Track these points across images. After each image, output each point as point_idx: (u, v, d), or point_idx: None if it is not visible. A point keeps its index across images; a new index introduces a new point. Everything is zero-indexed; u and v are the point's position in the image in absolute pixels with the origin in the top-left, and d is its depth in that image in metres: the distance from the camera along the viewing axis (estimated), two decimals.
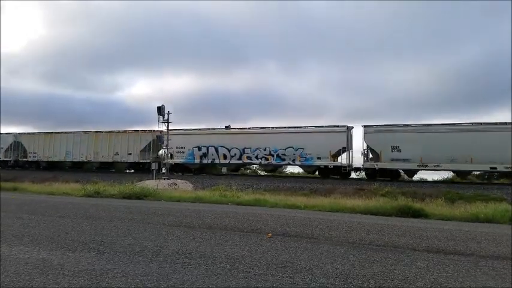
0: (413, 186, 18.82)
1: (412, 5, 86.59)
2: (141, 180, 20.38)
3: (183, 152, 27.01)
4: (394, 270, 4.30)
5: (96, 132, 30.65)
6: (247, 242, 5.75)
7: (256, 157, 25.16)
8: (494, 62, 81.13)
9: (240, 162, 25.82)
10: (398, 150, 21.48)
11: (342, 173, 23.21)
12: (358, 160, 23.80)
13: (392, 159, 21.65)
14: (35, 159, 32.11)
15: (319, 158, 23.46)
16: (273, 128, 25.91)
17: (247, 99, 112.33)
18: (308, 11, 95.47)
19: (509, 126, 19.78)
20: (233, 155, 25.77)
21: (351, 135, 23.89)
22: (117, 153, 28.98)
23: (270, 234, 6.40)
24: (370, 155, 22.87)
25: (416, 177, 24.12)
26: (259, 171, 30.38)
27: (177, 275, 3.98)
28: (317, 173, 24.88)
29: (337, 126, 23.76)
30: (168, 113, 24.46)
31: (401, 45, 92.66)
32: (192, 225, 7.29)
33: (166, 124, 24.51)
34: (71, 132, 31.57)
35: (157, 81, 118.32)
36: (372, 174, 22.59)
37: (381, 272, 4.21)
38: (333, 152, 23.22)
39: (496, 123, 20.40)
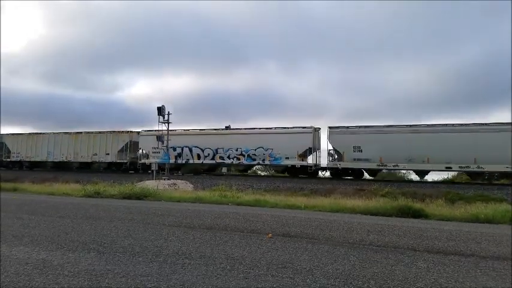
0: (414, 187, 18.82)
1: (412, 5, 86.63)
2: (141, 181, 20.38)
3: (159, 153, 27.66)
4: (394, 271, 4.30)
5: (76, 133, 31.50)
6: (248, 243, 5.74)
7: (229, 157, 25.95)
8: (494, 62, 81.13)
9: (213, 162, 26.62)
10: (359, 151, 22.39)
11: (309, 172, 24.06)
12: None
13: (355, 159, 22.53)
14: (18, 159, 32.83)
15: (287, 158, 24.29)
16: (244, 129, 26.93)
17: (247, 99, 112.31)
18: (308, 11, 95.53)
19: (464, 127, 20.74)
20: (207, 155, 26.55)
21: (319, 136, 24.80)
22: (95, 154, 29.70)
23: (270, 234, 6.40)
24: (336, 155, 23.82)
25: (415, 177, 24.17)
26: (259, 172, 30.53)
27: (177, 275, 3.97)
28: (286, 172, 25.74)
29: (304, 127, 24.57)
30: (168, 114, 24.49)
31: (401, 45, 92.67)
32: (192, 226, 7.29)
33: (166, 124, 24.55)
34: (52, 133, 32.36)
35: (157, 81, 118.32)
36: (336, 173, 23.61)
37: (381, 273, 4.21)
38: (300, 152, 24.03)
39: (452, 125, 21.20)
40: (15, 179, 24.04)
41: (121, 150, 28.99)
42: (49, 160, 31.68)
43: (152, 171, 22.75)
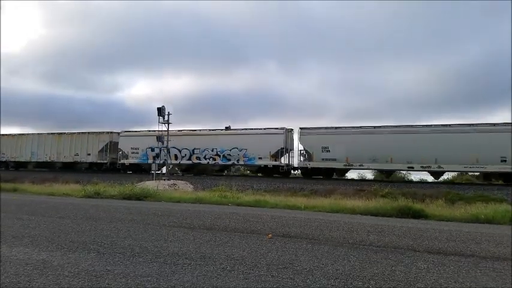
0: (414, 187, 18.82)
1: (412, 5, 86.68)
2: (141, 181, 20.38)
3: (137, 153, 28.45)
4: (394, 271, 4.29)
5: (59, 133, 32.03)
6: (248, 243, 5.74)
7: (205, 157, 26.60)
8: (494, 62, 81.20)
9: (190, 162, 27.28)
10: (328, 151, 23.16)
11: (281, 172, 24.75)
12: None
13: (323, 159, 23.29)
14: (4, 159, 33.45)
15: (260, 158, 24.97)
16: (220, 129, 27.38)
17: (247, 99, 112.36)
18: (308, 11, 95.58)
19: (425, 128, 21.55)
20: (183, 155, 27.15)
21: (292, 137, 25.49)
22: (77, 154, 30.35)
23: (270, 235, 6.40)
24: (306, 156, 24.55)
25: (416, 177, 24.23)
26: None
27: (178, 276, 3.97)
28: (260, 172, 26.61)
29: (276, 128, 25.26)
30: (168, 114, 24.48)
31: (401, 45, 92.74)
32: (192, 226, 7.28)
33: (166, 125, 24.54)
34: (36, 133, 33.07)
35: (157, 81, 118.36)
36: (306, 173, 24.36)
37: (382, 273, 4.21)
38: (273, 153, 24.75)
39: (413, 126, 22.02)
40: (15, 179, 24.04)
41: (101, 151, 29.58)
42: (33, 160, 32.32)
43: (152, 172, 22.77)
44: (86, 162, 30.64)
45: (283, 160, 25.01)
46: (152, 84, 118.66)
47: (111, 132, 29.89)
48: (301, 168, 24.64)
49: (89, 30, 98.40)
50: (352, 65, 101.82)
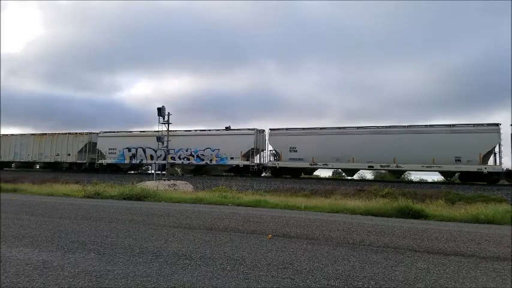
0: (414, 187, 18.83)
1: (412, 5, 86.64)
2: (141, 181, 20.38)
3: (115, 153, 29.27)
4: (394, 272, 4.29)
5: (41, 134, 32.72)
6: (248, 243, 5.74)
7: (179, 157, 27.32)
8: (494, 62, 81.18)
9: (165, 162, 27.80)
10: (295, 151, 24.02)
11: (251, 171, 25.36)
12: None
13: (291, 159, 24.15)
14: None
15: (232, 158, 25.72)
16: (194, 130, 28.10)
17: (247, 99, 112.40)
18: (308, 11, 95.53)
19: (384, 129, 22.41)
20: (159, 155, 27.68)
21: (263, 138, 26.18)
22: (58, 154, 31.18)
23: (270, 235, 6.40)
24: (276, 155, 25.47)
25: (416, 178, 24.27)
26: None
27: (178, 276, 3.97)
28: (232, 171, 27.08)
29: (247, 129, 26.08)
30: (169, 114, 24.49)
31: (401, 45, 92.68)
32: (192, 227, 7.28)
33: (166, 125, 24.55)
34: (18, 134, 33.84)
35: (157, 81, 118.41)
36: (275, 172, 25.21)
37: (382, 273, 4.20)
38: (244, 153, 25.47)
39: (371, 127, 22.97)
40: (15, 179, 24.03)
41: (81, 151, 30.45)
42: (16, 160, 33.13)
43: (152, 172, 22.78)
44: (67, 162, 31.39)
45: (256, 160, 25.83)
46: (152, 84, 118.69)
47: (90, 133, 30.84)
48: (270, 168, 25.44)
49: (89, 30, 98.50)
50: (352, 65, 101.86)
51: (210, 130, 27.59)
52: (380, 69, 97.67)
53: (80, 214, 8.93)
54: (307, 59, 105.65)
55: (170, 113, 24.63)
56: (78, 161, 30.46)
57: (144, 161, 28.46)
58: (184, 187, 20.22)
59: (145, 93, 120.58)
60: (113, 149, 29.38)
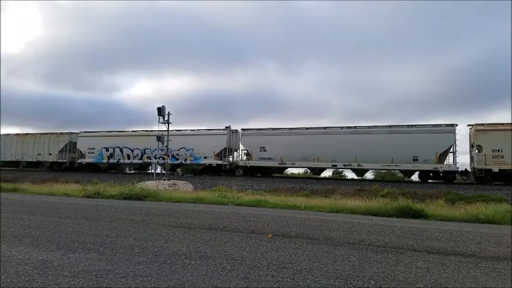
0: (414, 187, 18.83)
1: (413, 5, 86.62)
2: (141, 181, 20.37)
3: (94, 153, 30.21)
4: (394, 271, 4.29)
5: (24, 134, 34.08)
6: (248, 243, 5.74)
7: (155, 157, 27.87)
8: (494, 62, 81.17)
9: (142, 161, 28.98)
10: (264, 150, 24.97)
11: (224, 170, 26.14)
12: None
13: (261, 158, 25.07)
14: None
15: (205, 158, 26.50)
16: (171, 130, 28.73)
17: (247, 99, 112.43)
18: (307, 11, 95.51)
19: (346, 130, 23.27)
20: (136, 155, 28.78)
21: (236, 138, 26.78)
22: (39, 154, 32.14)
23: (270, 235, 6.40)
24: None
25: (416, 178, 24.30)
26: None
27: (177, 275, 3.97)
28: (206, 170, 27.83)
29: (220, 129, 26.80)
30: (169, 114, 24.48)
31: (401, 45, 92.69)
32: (192, 226, 7.28)
33: (166, 125, 24.54)
34: (2, 134, 34.78)
35: (157, 81, 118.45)
36: (246, 171, 25.96)
37: (382, 273, 4.21)
38: (217, 152, 26.26)
39: (334, 128, 23.91)
40: (15, 179, 24.03)
41: (61, 151, 31.37)
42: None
43: (153, 172, 22.80)
44: (48, 162, 32.15)
45: (231, 159, 26.57)
46: (152, 84, 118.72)
47: (70, 133, 31.77)
48: (242, 167, 26.07)
49: (89, 30, 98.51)
50: (352, 65, 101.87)
51: (185, 130, 28.24)
52: (380, 69, 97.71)
53: (80, 214, 8.93)
54: (307, 59, 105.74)
55: (170, 112, 24.62)
56: (59, 160, 31.25)
57: (122, 161, 29.21)
58: (184, 187, 20.22)
59: (145, 93, 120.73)
60: (92, 148, 30.20)
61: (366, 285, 3.76)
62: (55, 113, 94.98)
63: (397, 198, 12.28)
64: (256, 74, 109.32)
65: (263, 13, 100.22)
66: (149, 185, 18.39)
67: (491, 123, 20.90)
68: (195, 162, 27.08)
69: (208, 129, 27.39)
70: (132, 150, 28.81)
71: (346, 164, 22.96)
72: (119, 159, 29.35)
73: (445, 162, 21.24)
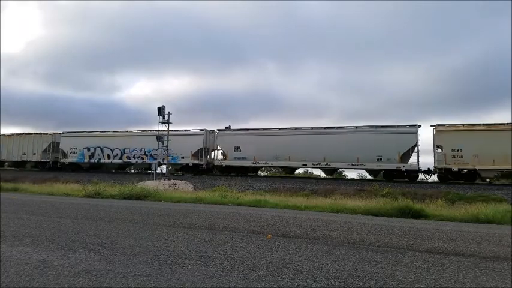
0: (414, 187, 18.82)
1: (413, 5, 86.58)
2: (141, 181, 20.36)
3: (76, 153, 30.96)
4: (394, 271, 4.29)
5: (10, 134, 34.31)
6: (248, 243, 5.74)
7: (134, 156, 28.83)
8: (494, 62, 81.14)
9: (121, 161, 29.68)
10: (239, 150, 25.62)
11: (200, 170, 26.67)
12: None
13: (235, 158, 25.73)
14: None
15: (182, 157, 27.05)
16: (149, 131, 29.37)
17: (247, 99, 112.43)
18: (307, 11, 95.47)
19: (314, 130, 24.07)
20: (115, 154, 29.45)
21: (213, 138, 27.32)
22: (24, 154, 32.81)
23: (270, 235, 6.40)
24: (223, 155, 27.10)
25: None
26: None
27: (178, 275, 3.97)
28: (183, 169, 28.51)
29: (197, 129, 27.46)
30: (169, 114, 24.47)
31: (401, 45, 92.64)
32: (192, 226, 7.28)
33: (166, 125, 24.54)
34: None
35: (157, 81, 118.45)
36: (222, 170, 26.65)
37: (382, 273, 4.21)
38: (193, 152, 26.89)
39: (304, 128, 24.57)
40: (15, 179, 24.03)
41: (45, 150, 31.94)
42: None
43: (153, 171, 22.80)
44: (32, 161, 32.82)
45: (208, 159, 27.25)
46: (152, 84, 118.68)
47: (54, 133, 32.35)
48: (217, 166, 26.67)
49: (89, 30, 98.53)
50: (352, 65, 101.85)
51: (163, 130, 28.66)
52: (380, 69, 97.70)
53: (80, 213, 8.93)
54: (307, 59, 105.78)
55: (170, 112, 24.62)
56: (42, 160, 31.89)
57: (102, 160, 29.90)
58: (184, 187, 20.22)
59: (145, 93, 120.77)
60: (74, 148, 30.95)
61: (366, 285, 3.76)
62: (55, 113, 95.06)
63: (397, 198, 12.27)
64: (256, 74, 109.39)
65: (263, 13, 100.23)
66: (149, 184, 18.38)
67: (451, 124, 21.51)
68: (172, 161, 27.49)
69: (185, 130, 28.02)
70: (112, 150, 29.50)
71: (315, 163, 23.70)
72: (100, 159, 30.04)
73: (409, 162, 21.89)
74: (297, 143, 23.94)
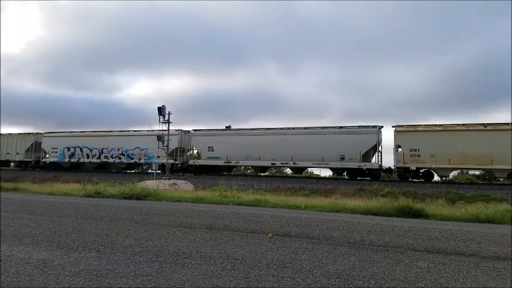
0: (414, 187, 18.82)
1: (413, 5, 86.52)
2: (141, 181, 20.36)
3: (57, 152, 31.75)
4: (394, 271, 4.29)
5: None
6: (248, 243, 5.74)
7: (112, 156, 29.60)
8: (494, 62, 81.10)
9: (99, 161, 30.44)
10: (212, 150, 26.43)
11: (175, 169, 27.19)
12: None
13: (209, 157, 26.50)
14: None
15: (158, 157, 27.36)
16: (126, 131, 30.64)
17: (247, 99, 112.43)
18: (308, 11, 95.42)
19: (280, 131, 24.92)
20: (94, 154, 30.27)
21: (189, 138, 27.87)
22: (8, 153, 33.78)
23: (270, 234, 6.40)
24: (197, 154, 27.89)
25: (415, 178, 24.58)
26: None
27: (178, 275, 3.97)
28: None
29: (172, 130, 27.27)
30: (169, 114, 24.48)
31: (401, 45, 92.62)
32: (192, 226, 7.28)
33: (167, 124, 24.55)
34: None
35: (157, 81, 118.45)
36: (196, 170, 27.11)
37: (382, 273, 4.20)
38: (169, 152, 26.94)
39: (273, 129, 25.53)
40: (15, 178, 24.03)
41: (28, 150, 32.86)
42: None
43: (153, 171, 22.81)
44: (16, 161, 33.81)
45: (184, 158, 27.72)
46: (152, 84, 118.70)
47: (36, 133, 33.28)
48: (191, 166, 27.23)
49: (89, 30, 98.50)
50: (352, 65, 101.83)
51: (140, 131, 29.65)
52: (380, 69, 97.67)
53: (80, 213, 8.93)
54: (307, 59, 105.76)
55: (171, 112, 24.63)
56: (25, 159, 32.76)
57: (82, 160, 30.74)
58: (184, 186, 20.22)
59: (145, 93, 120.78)
60: (55, 148, 31.75)
61: (366, 285, 3.76)
62: (55, 113, 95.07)
63: (397, 198, 12.27)
64: (256, 74, 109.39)
65: (263, 13, 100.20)
66: (149, 184, 18.39)
67: (410, 125, 22.37)
68: (148, 161, 28.37)
69: (158, 130, 28.47)
70: (91, 150, 30.33)
71: (284, 162, 24.58)
72: (79, 159, 30.83)
73: (372, 161, 22.79)
74: (267, 143, 24.72)
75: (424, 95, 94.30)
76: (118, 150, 29.31)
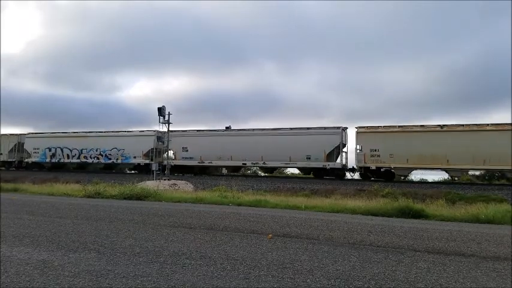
0: (414, 187, 18.82)
1: (413, 5, 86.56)
2: (141, 181, 20.35)
3: (38, 153, 32.45)
4: (395, 271, 4.29)
5: None
6: (248, 243, 5.74)
7: (90, 156, 30.37)
8: (494, 62, 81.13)
9: (79, 161, 31.34)
10: (186, 151, 27.21)
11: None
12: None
13: (183, 158, 27.27)
14: None
15: (134, 157, 28.47)
16: (104, 132, 31.41)
17: (247, 99, 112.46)
18: (308, 11, 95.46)
19: (251, 131, 25.86)
20: (74, 154, 31.08)
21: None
22: None
23: (270, 235, 6.40)
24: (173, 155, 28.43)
25: (416, 178, 24.60)
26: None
27: (178, 275, 3.97)
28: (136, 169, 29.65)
29: (148, 131, 28.90)
30: (169, 114, 24.46)
31: (401, 45, 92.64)
32: (192, 226, 7.28)
33: (167, 125, 24.53)
34: None
35: (157, 81, 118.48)
36: (172, 169, 26.93)
37: (382, 273, 4.20)
38: (145, 152, 28.33)
39: (244, 130, 26.60)
40: (15, 179, 24.02)
41: (11, 151, 33.73)
42: None
43: (153, 171, 22.78)
44: (0, 161, 34.43)
45: (159, 159, 27.95)
46: (152, 84, 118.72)
47: (19, 134, 34.07)
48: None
49: (89, 30, 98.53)
50: (352, 65, 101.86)
51: (118, 132, 30.34)
52: (380, 69, 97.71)
53: (80, 214, 8.93)
54: (307, 59, 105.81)
55: (171, 112, 24.62)
56: (9, 160, 33.62)
57: (62, 160, 31.42)
58: (184, 187, 20.21)
59: (145, 93, 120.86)
60: (37, 148, 32.43)
61: (366, 285, 3.76)
62: (55, 113, 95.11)
63: (397, 199, 12.26)
64: (256, 74, 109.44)
65: (263, 13, 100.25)
66: (149, 185, 18.37)
67: (370, 126, 23.24)
68: (125, 161, 29.12)
69: (140, 131, 29.58)
70: (71, 150, 31.03)
71: (254, 162, 25.49)
72: (60, 159, 31.50)
73: (337, 161, 23.72)
74: (239, 143, 25.43)
75: (424, 95, 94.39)
76: (96, 150, 30.01)
